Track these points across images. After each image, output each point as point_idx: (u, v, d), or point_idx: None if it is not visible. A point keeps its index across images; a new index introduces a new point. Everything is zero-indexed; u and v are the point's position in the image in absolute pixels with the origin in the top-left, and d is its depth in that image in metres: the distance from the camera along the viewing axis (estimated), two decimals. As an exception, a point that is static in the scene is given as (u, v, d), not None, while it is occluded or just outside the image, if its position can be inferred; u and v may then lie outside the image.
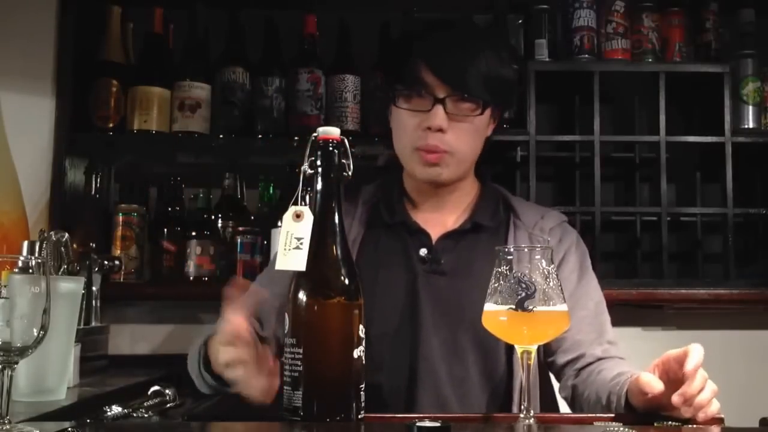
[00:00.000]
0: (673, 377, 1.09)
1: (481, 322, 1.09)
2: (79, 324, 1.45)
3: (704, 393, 1.06)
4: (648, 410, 1.13)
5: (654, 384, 1.08)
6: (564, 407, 1.49)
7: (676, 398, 1.05)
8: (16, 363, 0.96)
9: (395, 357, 1.39)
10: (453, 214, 1.50)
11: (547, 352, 1.42)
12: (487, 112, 1.43)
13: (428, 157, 1.40)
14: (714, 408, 1.07)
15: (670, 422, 1.09)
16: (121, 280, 2.09)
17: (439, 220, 1.49)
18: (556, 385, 1.50)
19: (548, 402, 1.47)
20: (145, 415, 1.16)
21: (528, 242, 1.44)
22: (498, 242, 1.43)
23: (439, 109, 1.37)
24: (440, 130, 1.37)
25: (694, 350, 1.08)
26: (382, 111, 1.55)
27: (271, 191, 2.26)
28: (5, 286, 0.97)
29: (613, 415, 1.19)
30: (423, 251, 1.44)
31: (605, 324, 1.44)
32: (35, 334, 0.97)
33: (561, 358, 1.40)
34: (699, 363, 1.07)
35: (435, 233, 1.46)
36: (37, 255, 1.54)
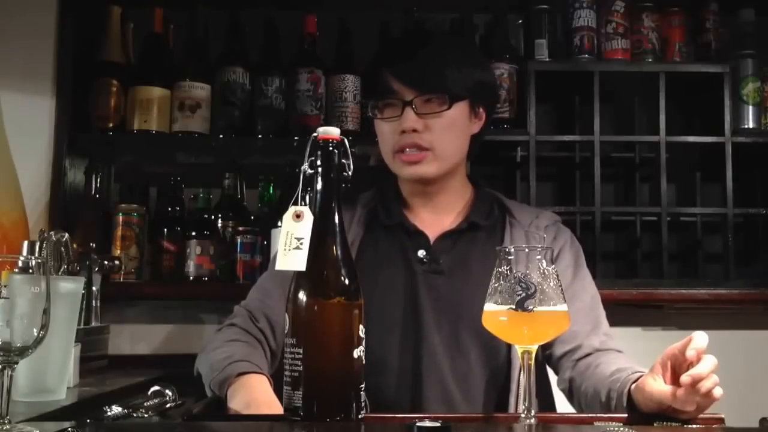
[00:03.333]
0: (680, 372, 1.09)
1: (480, 318, 1.09)
2: (79, 324, 1.45)
3: (708, 380, 1.06)
4: (655, 412, 1.13)
5: (665, 390, 1.09)
6: (561, 401, 1.50)
7: (685, 378, 1.05)
8: (16, 363, 0.96)
9: (400, 356, 1.42)
10: (449, 215, 1.53)
11: (544, 345, 1.43)
12: (462, 107, 1.47)
13: (407, 157, 1.46)
14: (717, 393, 1.07)
15: (670, 422, 1.09)
16: (121, 280, 2.08)
17: (436, 222, 1.52)
18: (553, 381, 1.51)
19: (545, 397, 1.48)
20: (145, 415, 1.16)
21: (525, 240, 1.47)
22: (495, 241, 1.47)
23: (408, 112, 1.44)
24: (414, 130, 1.43)
25: (697, 336, 1.09)
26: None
27: (271, 191, 2.26)
28: (5, 286, 0.97)
29: (612, 414, 1.20)
30: (421, 252, 1.47)
31: (601, 317, 1.47)
32: (35, 334, 0.97)
33: (558, 350, 1.42)
34: (701, 347, 1.07)
35: (432, 234, 1.50)
36: (37, 255, 1.54)
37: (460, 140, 1.50)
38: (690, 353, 1.07)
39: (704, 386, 1.05)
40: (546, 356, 1.46)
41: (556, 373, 1.46)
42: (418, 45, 1.53)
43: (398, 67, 1.45)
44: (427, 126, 1.44)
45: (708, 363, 1.07)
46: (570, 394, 1.41)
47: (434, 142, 1.45)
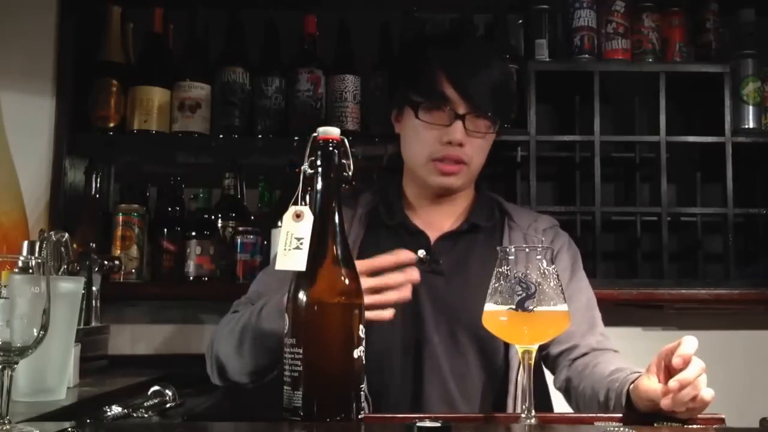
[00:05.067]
0: (674, 372, 1.10)
1: (479, 319, 1.09)
2: (79, 324, 1.45)
3: (692, 388, 1.06)
4: (652, 412, 1.13)
5: (656, 388, 1.09)
6: (557, 401, 1.50)
7: (672, 384, 1.05)
8: (16, 363, 0.96)
9: (401, 355, 1.42)
10: (450, 217, 1.54)
11: (541, 345, 1.43)
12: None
13: (446, 167, 1.45)
14: (708, 396, 1.07)
15: (670, 422, 1.09)
16: (121, 280, 2.08)
17: (437, 222, 1.53)
18: (549, 380, 1.51)
19: (541, 398, 1.48)
20: (145, 415, 1.16)
21: (523, 242, 1.48)
22: (494, 243, 1.48)
23: (459, 125, 1.42)
24: (460, 144, 1.43)
25: (685, 341, 1.09)
26: (383, 112, 1.57)
27: (271, 191, 2.26)
28: (5, 286, 0.97)
29: (611, 414, 1.20)
30: (421, 252, 1.47)
31: (597, 318, 1.48)
32: (35, 334, 0.97)
33: (555, 349, 1.43)
34: (688, 353, 1.08)
35: (433, 235, 1.51)
36: (37, 255, 1.54)
37: (485, 157, 1.52)
38: (675, 360, 1.07)
39: (688, 395, 1.06)
40: (542, 356, 1.46)
41: (553, 372, 1.47)
42: (474, 57, 1.48)
43: (458, 77, 1.42)
44: (469, 142, 1.44)
45: (694, 368, 1.07)
46: (567, 394, 1.42)
47: (473, 158, 1.46)
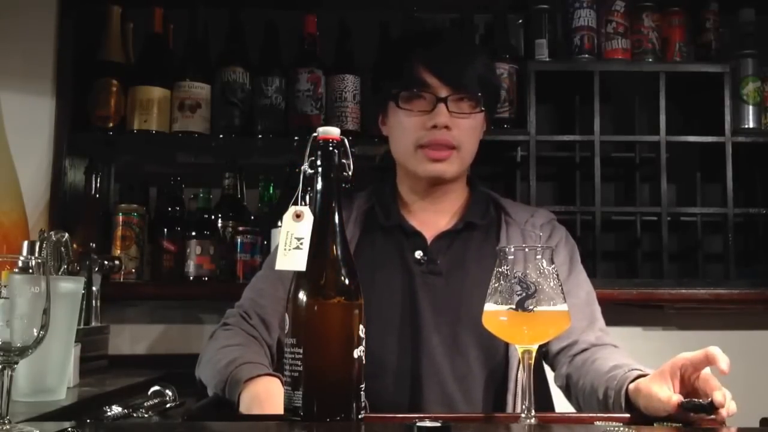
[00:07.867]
0: (688, 382, 1.10)
1: (479, 318, 1.09)
2: (79, 324, 1.45)
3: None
4: (654, 414, 1.12)
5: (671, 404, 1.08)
6: (558, 400, 1.50)
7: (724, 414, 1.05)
8: (16, 363, 0.96)
9: (398, 358, 1.42)
10: (446, 215, 1.54)
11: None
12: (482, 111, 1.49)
13: (434, 153, 1.45)
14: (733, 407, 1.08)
15: (670, 423, 1.09)
16: (121, 280, 2.08)
17: (433, 222, 1.53)
18: (550, 379, 1.51)
19: (542, 396, 1.48)
20: (145, 415, 1.16)
21: (520, 238, 1.48)
22: (491, 240, 1.48)
23: (442, 108, 1.43)
24: (446, 127, 1.43)
25: (719, 352, 1.07)
26: (375, 115, 1.58)
27: (271, 191, 2.26)
28: (5, 286, 0.97)
29: (612, 413, 1.19)
30: (418, 253, 1.47)
31: (596, 312, 1.47)
32: (35, 334, 0.97)
33: (554, 346, 1.43)
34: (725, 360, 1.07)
35: (429, 235, 1.50)
36: (37, 255, 1.54)
37: (477, 143, 1.51)
38: (725, 368, 1.05)
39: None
40: (542, 353, 1.46)
41: (553, 369, 1.47)
42: (450, 44, 1.53)
43: (434, 62, 1.44)
44: (455, 125, 1.44)
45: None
46: (567, 390, 1.42)
47: (462, 141, 1.46)
